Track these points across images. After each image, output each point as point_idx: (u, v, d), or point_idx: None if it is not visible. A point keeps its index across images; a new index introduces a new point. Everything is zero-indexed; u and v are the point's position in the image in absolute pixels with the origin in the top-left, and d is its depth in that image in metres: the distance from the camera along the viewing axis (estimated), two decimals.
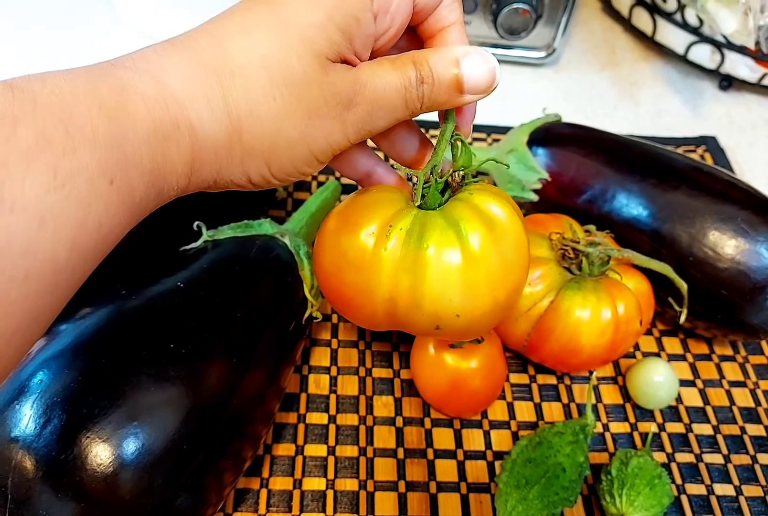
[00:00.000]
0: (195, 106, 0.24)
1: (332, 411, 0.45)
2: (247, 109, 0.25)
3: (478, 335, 0.37)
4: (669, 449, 0.45)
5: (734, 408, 0.47)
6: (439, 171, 0.31)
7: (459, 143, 0.32)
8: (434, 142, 0.32)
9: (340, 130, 0.27)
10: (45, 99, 0.21)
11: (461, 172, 0.32)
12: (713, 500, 0.42)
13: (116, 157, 0.22)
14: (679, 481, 0.43)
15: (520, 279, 0.32)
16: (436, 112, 0.31)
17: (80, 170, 0.20)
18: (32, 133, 0.20)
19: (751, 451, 0.45)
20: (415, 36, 0.31)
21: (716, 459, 0.44)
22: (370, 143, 0.33)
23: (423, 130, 0.35)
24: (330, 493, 0.41)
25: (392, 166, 0.34)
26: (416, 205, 0.31)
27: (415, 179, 0.32)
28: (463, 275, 0.29)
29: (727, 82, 0.70)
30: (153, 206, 0.25)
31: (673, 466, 0.44)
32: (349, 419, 0.44)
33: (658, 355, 0.50)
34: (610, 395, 0.47)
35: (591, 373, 0.48)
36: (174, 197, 0.26)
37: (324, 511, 0.40)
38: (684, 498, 0.42)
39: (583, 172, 0.49)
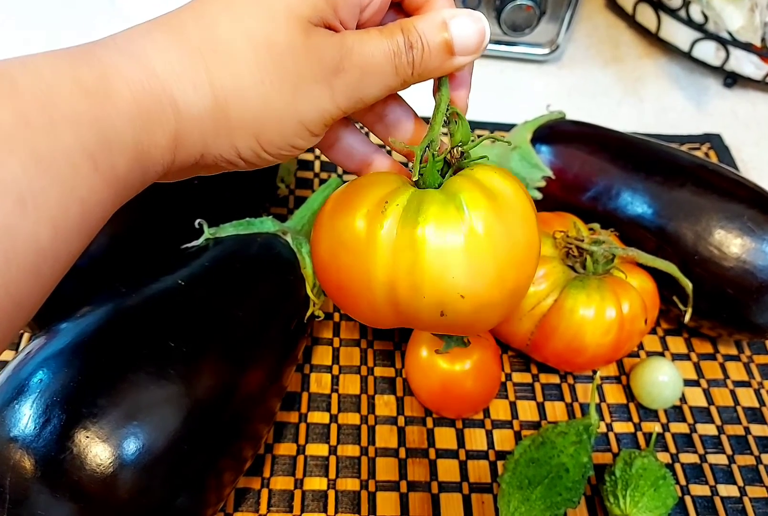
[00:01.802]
0: (177, 81, 0.24)
1: (334, 410, 0.44)
2: (232, 81, 0.25)
3: (489, 325, 0.32)
4: (673, 450, 0.44)
5: (739, 408, 0.47)
6: (437, 147, 0.30)
7: (456, 118, 0.30)
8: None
9: (329, 96, 0.26)
10: (25, 80, 0.21)
11: (460, 149, 0.30)
12: (717, 501, 0.42)
13: (98, 137, 0.21)
14: (683, 481, 0.43)
15: (528, 257, 0.29)
16: (431, 94, 0.31)
17: (61, 150, 0.20)
18: (11, 113, 0.20)
19: (756, 452, 0.45)
20: (402, 13, 0.30)
21: (720, 459, 0.44)
22: (374, 140, 0.33)
23: None
24: (331, 493, 0.41)
25: (390, 155, 0.33)
26: (414, 179, 0.30)
27: (411, 165, 0.30)
28: (465, 250, 0.27)
29: (732, 80, 0.69)
30: (139, 185, 0.25)
31: (677, 466, 0.44)
32: (351, 418, 0.44)
33: (662, 354, 0.49)
34: (614, 395, 0.47)
35: (594, 372, 0.48)
36: (161, 174, 0.25)
37: (325, 511, 0.40)
38: (688, 499, 0.42)
39: (588, 169, 0.49)
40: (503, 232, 0.28)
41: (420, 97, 0.38)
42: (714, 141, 0.64)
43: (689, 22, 0.66)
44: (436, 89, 0.30)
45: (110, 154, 0.22)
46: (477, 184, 0.28)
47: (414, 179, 0.30)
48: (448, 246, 0.27)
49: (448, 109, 0.30)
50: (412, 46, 0.26)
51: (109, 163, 0.22)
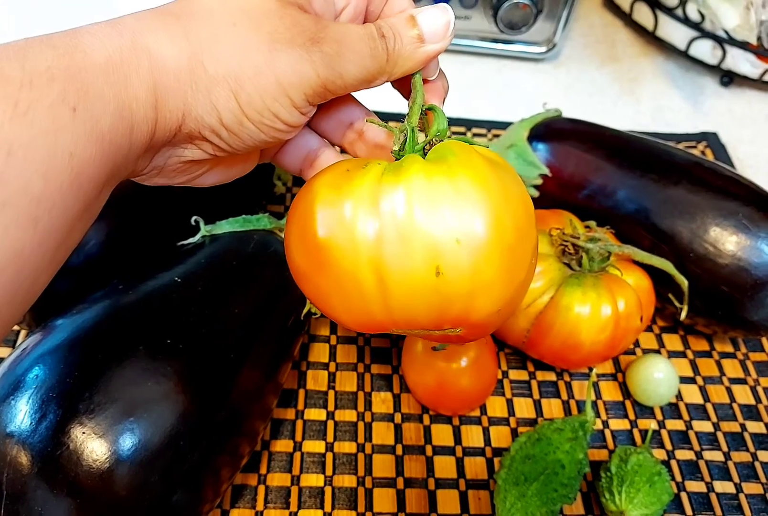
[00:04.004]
0: (152, 34, 0.25)
1: (330, 407, 0.44)
2: (207, 34, 0.25)
3: (491, 303, 0.27)
4: (669, 446, 0.44)
5: (734, 405, 0.47)
6: (416, 124, 0.29)
7: (432, 113, 0.30)
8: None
9: (307, 60, 0.26)
10: (0, 48, 0.22)
11: (438, 138, 0.29)
12: (713, 497, 0.42)
13: (75, 88, 0.22)
14: (678, 478, 0.43)
15: (525, 215, 0.26)
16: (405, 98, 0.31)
17: (40, 100, 0.21)
18: None
19: (752, 449, 0.45)
20: None
21: (716, 456, 0.44)
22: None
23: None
24: (328, 490, 0.41)
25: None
26: (394, 148, 0.28)
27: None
28: (456, 190, 0.25)
29: (729, 78, 0.70)
30: (127, 147, 0.25)
31: (673, 463, 0.44)
32: (348, 415, 0.44)
33: (658, 351, 0.49)
34: (610, 392, 0.47)
35: (591, 369, 0.48)
36: (149, 136, 0.25)
37: (322, 507, 0.40)
38: (684, 495, 0.42)
39: (584, 167, 0.49)
40: (496, 181, 0.25)
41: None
42: (710, 139, 0.64)
43: (686, 21, 0.66)
44: (411, 90, 0.30)
45: (90, 105, 0.23)
46: (464, 144, 0.27)
47: (394, 148, 0.29)
48: (438, 186, 0.25)
49: (423, 105, 0.30)
50: (384, 35, 0.28)
51: (90, 115, 0.22)
